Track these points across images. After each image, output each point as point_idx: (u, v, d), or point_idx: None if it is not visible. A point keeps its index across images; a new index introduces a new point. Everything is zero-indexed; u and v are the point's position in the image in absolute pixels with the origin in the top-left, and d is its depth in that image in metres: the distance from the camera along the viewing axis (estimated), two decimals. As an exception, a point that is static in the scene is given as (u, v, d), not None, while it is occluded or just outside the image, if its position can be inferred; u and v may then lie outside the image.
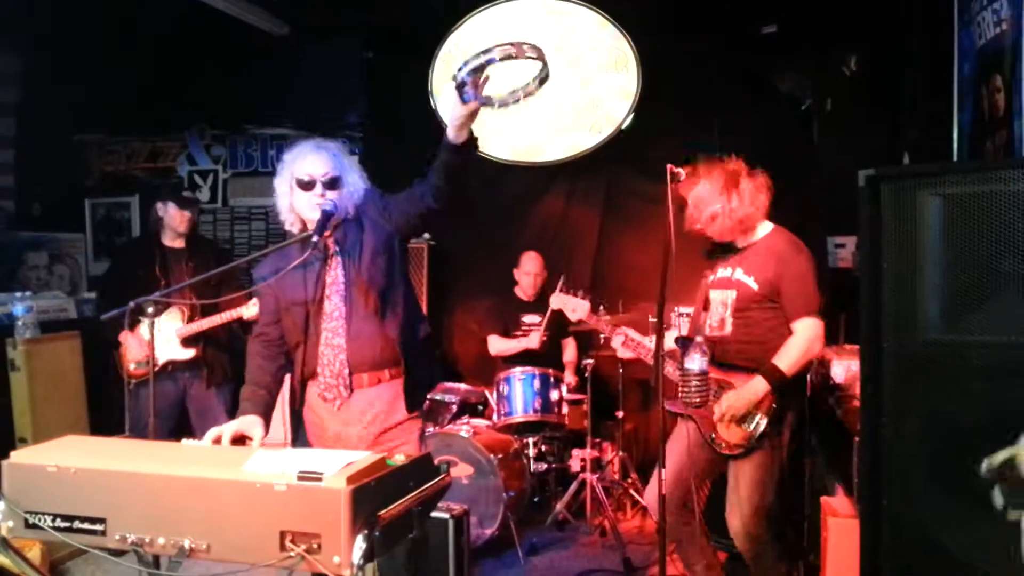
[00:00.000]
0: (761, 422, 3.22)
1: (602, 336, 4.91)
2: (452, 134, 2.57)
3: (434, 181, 2.69)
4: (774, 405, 3.22)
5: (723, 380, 3.31)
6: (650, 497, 3.46)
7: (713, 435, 3.30)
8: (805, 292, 3.24)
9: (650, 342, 3.53)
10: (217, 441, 2.53)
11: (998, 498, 1.41)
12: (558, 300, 3.95)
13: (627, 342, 3.62)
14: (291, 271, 2.77)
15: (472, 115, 2.53)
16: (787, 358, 3.20)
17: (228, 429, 2.58)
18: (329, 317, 2.81)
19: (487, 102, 2.52)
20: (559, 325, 5.39)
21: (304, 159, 2.82)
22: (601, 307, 4.79)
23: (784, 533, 3.59)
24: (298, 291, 2.84)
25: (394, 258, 2.88)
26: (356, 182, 2.88)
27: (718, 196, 3.30)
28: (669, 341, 3.47)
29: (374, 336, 2.83)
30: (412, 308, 2.97)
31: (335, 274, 2.82)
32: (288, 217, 2.88)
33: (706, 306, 3.47)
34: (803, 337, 3.21)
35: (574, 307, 3.89)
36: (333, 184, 2.79)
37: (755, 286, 3.30)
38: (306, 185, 2.79)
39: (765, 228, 3.41)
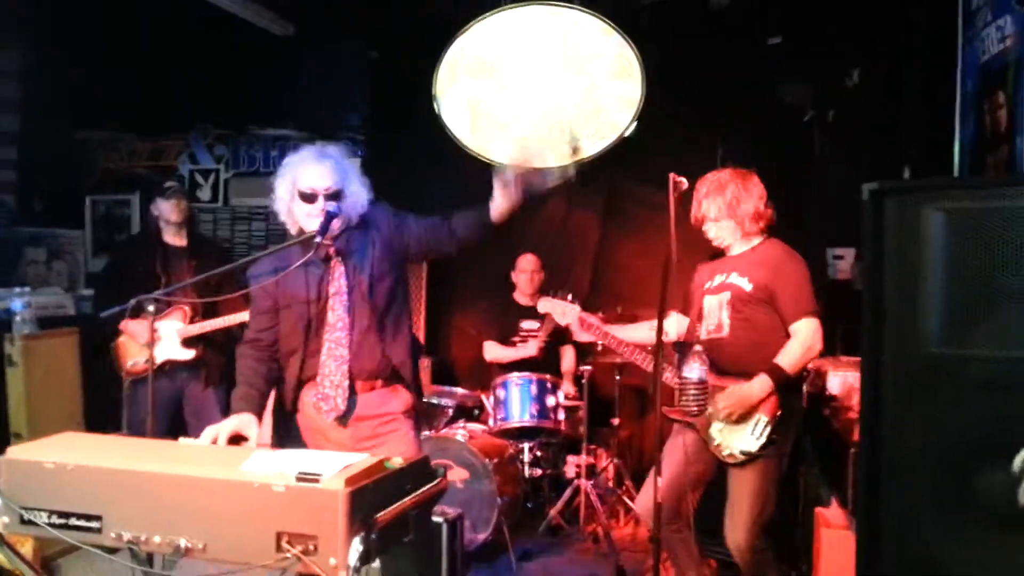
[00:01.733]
0: (766, 428, 3.20)
1: (600, 342, 4.94)
2: (495, 214, 2.77)
3: (463, 234, 2.83)
4: (779, 411, 3.21)
5: (723, 386, 3.30)
6: (641, 506, 3.45)
7: (717, 441, 3.28)
8: (801, 294, 3.27)
9: (637, 336, 3.59)
10: (214, 441, 2.52)
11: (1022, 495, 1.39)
12: (546, 305, 3.85)
13: (619, 344, 3.62)
14: (292, 274, 2.77)
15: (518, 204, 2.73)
16: (788, 357, 3.22)
17: (225, 428, 2.56)
18: (332, 327, 2.81)
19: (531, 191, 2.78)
20: (557, 331, 5.40)
21: (307, 170, 2.80)
22: (600, 313, 4.79)
23: (779, 541, 3.58)
24: (299, 293, 2.83)
25: (400, 274, 2.92)
26: (358, 191, 2.88)
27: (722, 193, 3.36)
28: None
29: (373, 348, 2.84)
30: (408, 321, 2.99)
31: (338, 284, 2.82)
32: (287, 220, 2.89)
33: (700, 316, 3.47)
34: (803, 337, 3.23)
35: (563, 310, 3.78)
36: (335, 197, 2.79)
37: (748, 287, 3.31)
38: (308, 198, 2.78)
39: (758, 238, 3.43)
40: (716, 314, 3.40)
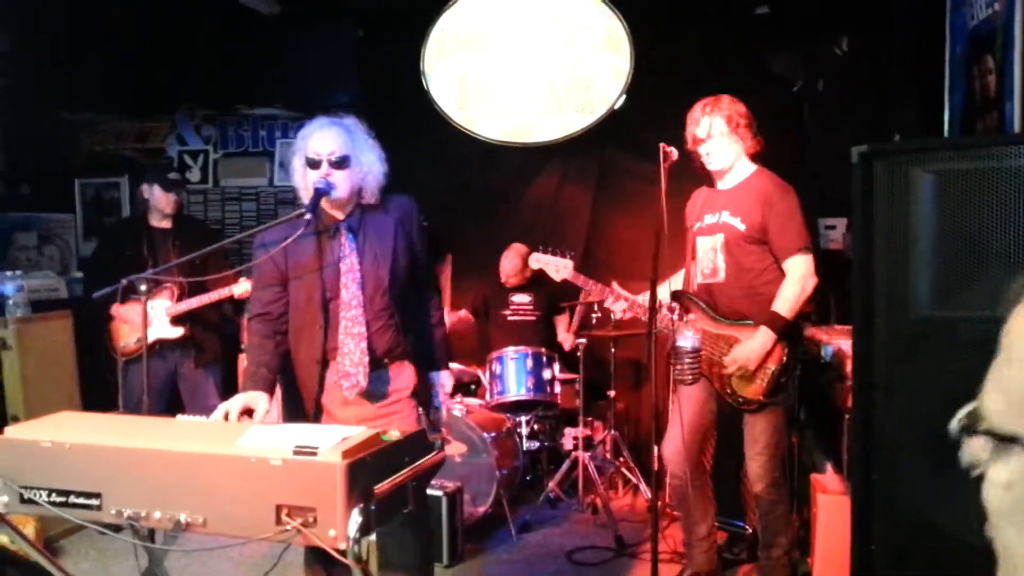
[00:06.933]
0: (775, 375, 3.26)
1: (594, 316, 4.96)
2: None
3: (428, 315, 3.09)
4: (786, 356, 3.26)
5: (729, 336, 3.33)
6: (668, 450, 3.47)
7: (729, 390, 3.33)
8: (793, 229, 3.27)
9: (643, 299, 3.51)
10: (226, 416, 2.51)
11: (965, 455, 1.44)
12: (538, 260, 3.74)
13: (617, 299, 3.55)
14: (301, 247, 2.77)
15: None
16: (784, 301, 3.24)
17: (235, 404, 2.56)
18: (347, 306, 2.79)
19: None
20: (551, 303, 5.42)
21: (313, 136, 2.77)
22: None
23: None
24: (312, 265, 2.80)
25: (413, 265, 2.94)
26: (372, 162, 2.83)
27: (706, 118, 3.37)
28: (662, 294, 3.49)
29: (387, 327, 2.85)
30: (417, 305, 3.03)
31: (350, 261, 2.80)
32: (303, 193, 2.85)
33: (694, 255, 3.49)
34: (796, 276, 3.25)
35: (556, 266, 3.68)
36: (341, 163, 2.75)
37: (742, 227, 3.32)
38: (313, 164, 2.75)
39: (748, 168, 3.42)
40: (710, 257, 3.40)
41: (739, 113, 3.35)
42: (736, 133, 3.34)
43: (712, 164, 3.40)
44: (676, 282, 3.62)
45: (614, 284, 3.63)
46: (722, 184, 3.46)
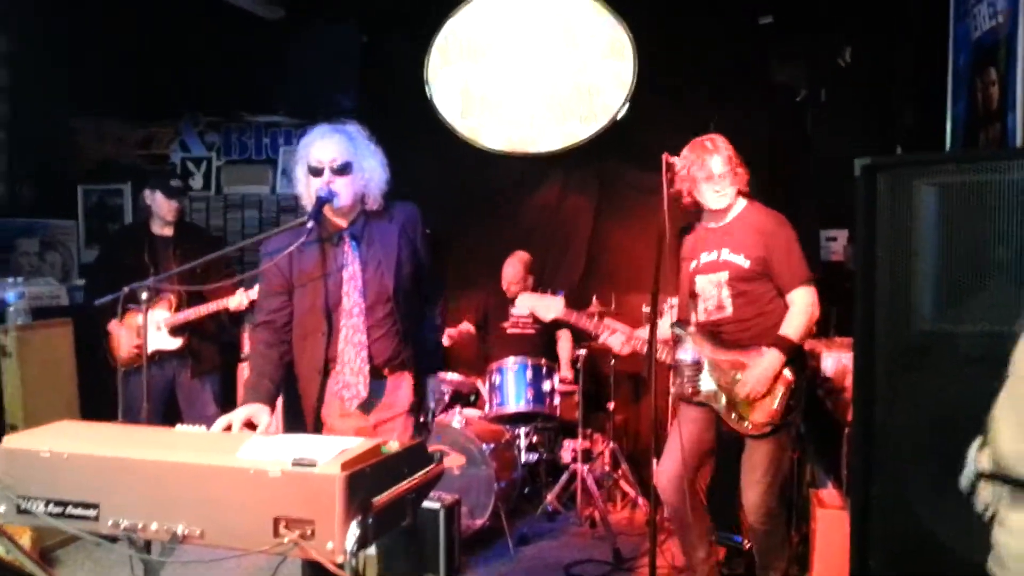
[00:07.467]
0: (784, 398, 3.23)
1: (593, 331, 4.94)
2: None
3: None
4: (793, 382, 3.24)
5: (736, 362, 3.30)
6: (660, 480, 3.42)
7: (735, 415, 3.29)
8: (795, 263, 3.29)
9: (642, 332, 3.51)
10: (228, 428, 2.49)
11: (979, 504, 1.40)
12: (527, 301, 3.68)
13: (612, 333, 3.54)
14: (306, 255, 2.77)
15: None
16: (793, 326, 3.24)
17: (238, 417, 2.54)
18: (348, 314, 2.79)
19: None
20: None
21: (315, 144, 2.77)
22: (594, 297, 4.80)
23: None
24: (315, 272, 2.80)
25: (417, 274, 2.93)
26: (374, 168, 2.83)
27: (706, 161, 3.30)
28: (663, 328, 3.47)
29: (389, 337, 2.85)
30: (420, 313, 3.03)
31: (352, 269, 2.79)
32: (308, 203, 2.83)
33: (693, 294, 3.46)
34: (803, 304, 3.26)
35: (547, 306, 3.62)
36: (343, 170, 2.74)
37: (746, 264, 3.30)
38: (315, 172, 2.75)
39: (741, 203, 3.40)
40: (714, 294, 3.38)
41: (734, 152, 3.33)
42: (736, 172, 3.31)
43: (718, 203, 3.34)
44: (673, 315, 3.61)
45: (607, 320, 3.61)
46: (715, 221, 3.42)
